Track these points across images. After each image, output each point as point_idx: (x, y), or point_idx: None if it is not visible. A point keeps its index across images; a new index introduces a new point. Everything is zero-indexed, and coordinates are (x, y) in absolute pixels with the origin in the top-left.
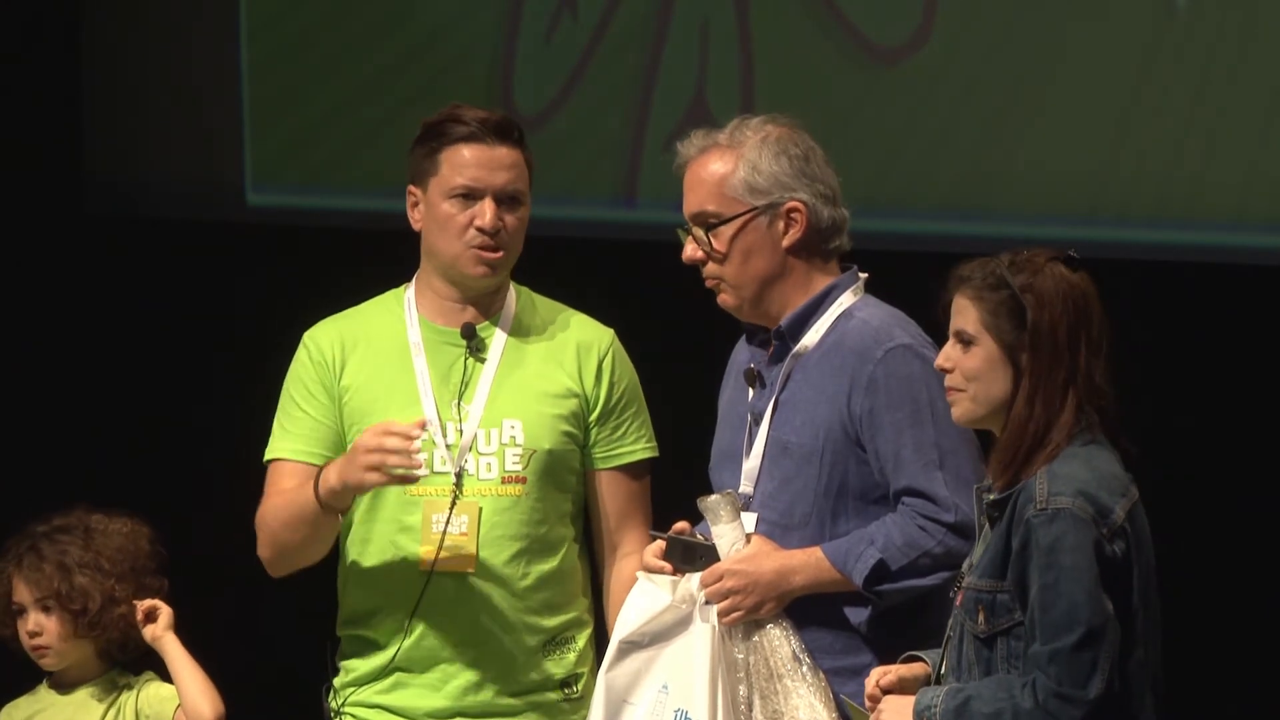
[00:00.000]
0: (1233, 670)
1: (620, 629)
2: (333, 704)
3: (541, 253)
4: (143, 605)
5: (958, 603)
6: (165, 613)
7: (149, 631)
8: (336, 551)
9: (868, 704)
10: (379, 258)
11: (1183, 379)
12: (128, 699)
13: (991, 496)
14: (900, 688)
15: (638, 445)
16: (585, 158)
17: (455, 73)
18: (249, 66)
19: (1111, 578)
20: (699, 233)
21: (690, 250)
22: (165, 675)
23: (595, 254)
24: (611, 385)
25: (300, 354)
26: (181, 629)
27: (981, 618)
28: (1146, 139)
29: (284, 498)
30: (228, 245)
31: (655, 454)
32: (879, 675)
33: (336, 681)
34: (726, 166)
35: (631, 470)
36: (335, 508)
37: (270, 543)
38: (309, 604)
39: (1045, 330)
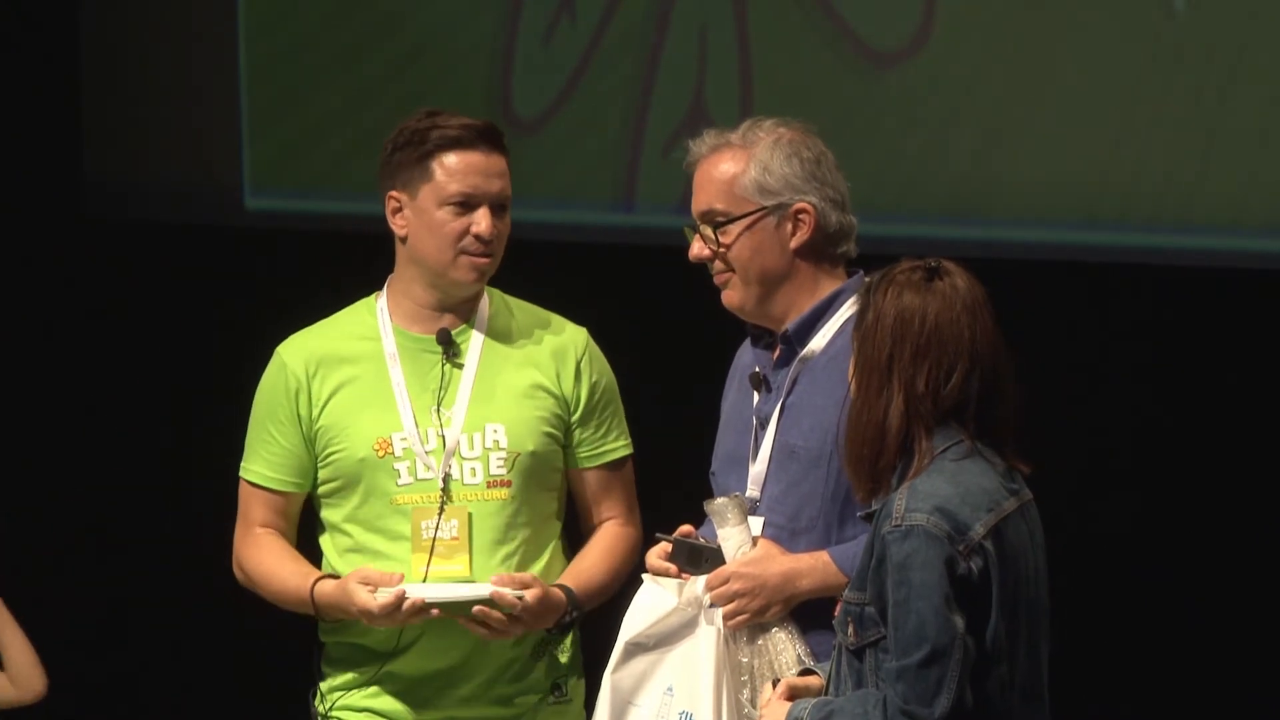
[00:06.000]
0: (1233, 672)
1: (626, 631)
2: (319, 707)
3: (540, 256)
4: None
5: (835, 614)
6: None
7: None
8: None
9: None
10: (378, 263)
11: (1181, 383)
12: None
13: (860, 512)
14: (791, 698)
15: (619, 443)
16: (583, 161)
17: (454, 76)
18: (247, 70)
19: (966, 595)
20: (706, 231)
21: (697, 248)
22: None
23: (593, 258)
24: (592, 385)
25: (274, 373)
26: (179, 629)
27: (851, 630)
28: (1145, 142)
29: (274, 571)
30: (226, 249)
31: (631, 450)
32: (774, 689)
33: (324, 685)
34: (738, 166)
35: (612, 466)
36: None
37: (251, 586)
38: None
39: (865, 341)
